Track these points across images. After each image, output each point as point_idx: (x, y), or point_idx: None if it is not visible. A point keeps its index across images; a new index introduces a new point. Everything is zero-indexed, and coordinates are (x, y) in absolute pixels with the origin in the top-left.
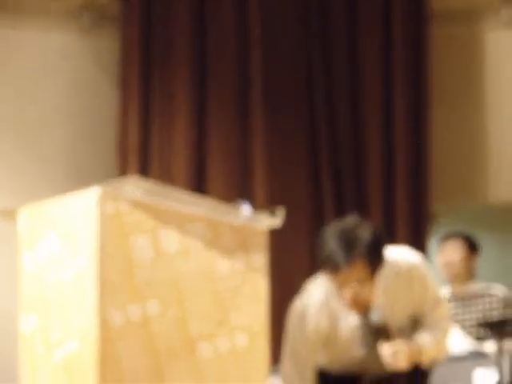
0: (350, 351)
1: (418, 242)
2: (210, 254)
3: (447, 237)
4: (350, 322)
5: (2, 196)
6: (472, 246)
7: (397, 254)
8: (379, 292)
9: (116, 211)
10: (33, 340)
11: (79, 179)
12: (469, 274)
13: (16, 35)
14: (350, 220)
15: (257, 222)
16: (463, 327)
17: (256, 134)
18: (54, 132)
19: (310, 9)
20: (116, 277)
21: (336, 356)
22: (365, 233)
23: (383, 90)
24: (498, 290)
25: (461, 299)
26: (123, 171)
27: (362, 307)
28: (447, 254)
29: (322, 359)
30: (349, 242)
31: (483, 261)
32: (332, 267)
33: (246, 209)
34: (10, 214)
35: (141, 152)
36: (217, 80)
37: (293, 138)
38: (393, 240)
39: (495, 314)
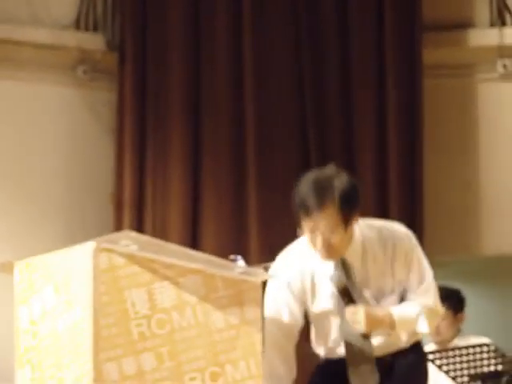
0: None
1: None
2: (204, 308)
3: None
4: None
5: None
6: (457, 308)
7: (386, 223)
8: (358, 256)
9: (110, 265)
10: None
11: (75, 232)
12: (455, 333)
13: (11, 87)
14: (329, 169)
15: (251, 276)
16: (454, 380)
17: (250, 191)
18: (49, 185)
19: (302, 58)
20: (111, 330)
21: (324, 331)
22: (340, 181)
23: (377, 142)
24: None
25: (450, 352)
26: (118, 223)
27: (333, 255)
28: None
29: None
30: (322, 188)
31: (476, 314)
32: (303, 211)
33: (240, 263)
34: (7, 268)
35: (135, 204)
36: (211, 132)
37: (287, 195)
38: None
39: (487, 366)
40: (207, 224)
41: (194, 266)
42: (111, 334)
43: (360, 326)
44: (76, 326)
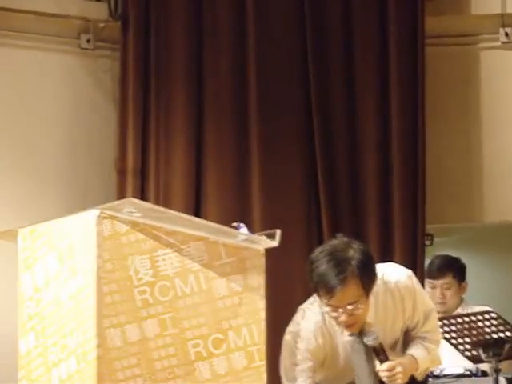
0: (349, 371)
1: (414, 264)
2: (208, 275)
3: (436, 273)
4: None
5: (2, 217)
6: (460, 277)
7: (385, 271)
8: (371, 311)
9: (114, 232)
10: (32, 359)
11: (79, 200)
12: (459, 302)
13: (14, 55)
14: (338, 241)
15: (254, 243)
16: (456, 347)
17: (253, 157)
18: (53, 153)
19: (306, 33)
20: (114, 297)
21: (335, 376)
22: (355, 253)
23: (379, 111)
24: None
25: (452, 319)
26: (122, 191)
27: (357, 328)
28: (439, 292)
29: (322, 379)
30: (340, 264)
31: (479, 281)
32: (325, 290)
33: (243, 230)
34: (11, 235)
35: (138, 172)
36: (214, 101)
37: (290, 162)
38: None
39: (489, 334)
40: (210, 191)
41: (197, 233)
42: (115, 301)
43: (400, 380)
44: (79, 293)
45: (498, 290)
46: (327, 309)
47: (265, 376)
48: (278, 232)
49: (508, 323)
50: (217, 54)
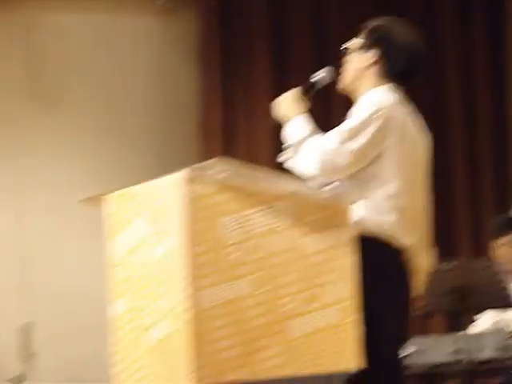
0: None
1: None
2: (297, 232)
3: (498, 232)
4: None
5: (89, 183)
6: None
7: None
8: None
9: (203, 193)
10: (124, 324)
11: (164, 163)
12: None
13: (91, 19)
14: None
15: (341, 198)
16: None
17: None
18: (137, 117)
19: None
20: (205, 258)
21: None
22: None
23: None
24: None
25: None
26: (206, 152)
27: (342, 82)
28: (499, 251)
29: None
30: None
31: None
32: None
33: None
34: (98, 201)
35: (224, 133)
36: (296, 57)
37: None
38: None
39: None
40: None
41: (285, 190)
42: (205, 262)
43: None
44: (169, 255)
45: None
46: None
47: (358, 331)
48: None
49: None
50: (300, 12)
